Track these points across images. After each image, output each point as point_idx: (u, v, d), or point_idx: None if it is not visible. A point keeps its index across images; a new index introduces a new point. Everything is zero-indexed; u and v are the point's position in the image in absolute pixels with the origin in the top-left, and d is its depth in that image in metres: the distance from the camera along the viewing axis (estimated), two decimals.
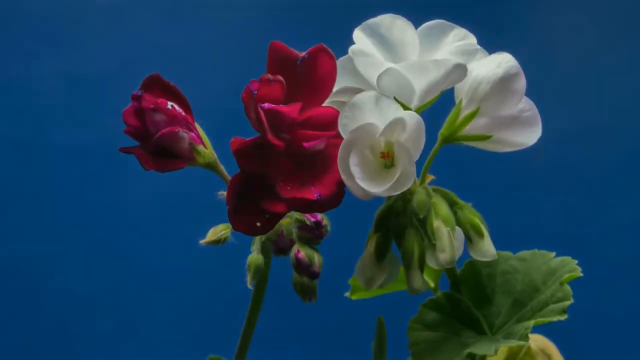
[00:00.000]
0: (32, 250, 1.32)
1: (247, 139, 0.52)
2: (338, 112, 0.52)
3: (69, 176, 1.33)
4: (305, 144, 0.51)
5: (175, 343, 1.31)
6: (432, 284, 0.68)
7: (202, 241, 0.57)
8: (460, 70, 0.50)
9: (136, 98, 0.55)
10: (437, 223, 0.52)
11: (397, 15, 0.53)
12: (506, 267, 0.59)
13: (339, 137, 0.51)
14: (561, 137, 1.24)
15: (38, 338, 1.30)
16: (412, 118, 0.50)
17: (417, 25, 0.54)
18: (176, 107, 0.55)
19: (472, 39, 0.53)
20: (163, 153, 0.54)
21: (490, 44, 0.54)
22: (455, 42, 0.52)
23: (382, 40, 0.52)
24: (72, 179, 1.33)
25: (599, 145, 1.32)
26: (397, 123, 0.49)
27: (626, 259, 1.29)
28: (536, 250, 0.60)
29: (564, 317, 0.54)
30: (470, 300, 0.58)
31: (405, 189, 0.49)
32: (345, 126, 0.50)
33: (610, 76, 1.34)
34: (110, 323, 1.31)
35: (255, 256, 0.58)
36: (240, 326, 0.64)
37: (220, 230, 0.57)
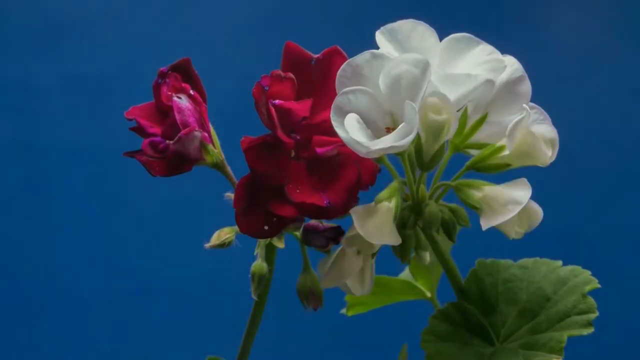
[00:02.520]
0: (32, 250, 1.31)
1: (257, 137, 0.51)
2: None
3: (69, 176, 1.33)
4: (319, 150, 0.50)
5: (175, 343, 1.30)
6: (428, 294, 0.67)
7: (206, 245, 0.56)
8: (489, 85, 0.50)
9: (162, 75, 0.55)
10: (480, 193, 0.51)
11: (419, 22, 0.52)
12: (507, 276, 0.59)
13: None
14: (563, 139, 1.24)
15: (38, 338, 1.30)
16: (408, 73, 0.48)
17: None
18: (197, 95, 0.55)
19: (498, 56, 0.52)
20: (175, 156, 0.54)
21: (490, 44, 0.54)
22: (482, 57, 0.52)
23: (400, 46, 0.51)
24: (72, 179, 1.33)
25: (601, 147, 1.32)
26: (394, 85, 0.48)
27: (624, 261, 1.28)
28: (537, 258, 0.59)
29: (590, 331, 0.53)
30: (476, 309, 0.57)
31: (410, 136, 0.47)
32: (343, 85, 0.49)
33: (612, 76, 1.34)
34: (109, 323, 1.31)
35: (259, 264, 0.57)
36: (240, 327, 0.63)
37: (224, 234, 0.56)
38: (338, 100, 0.49)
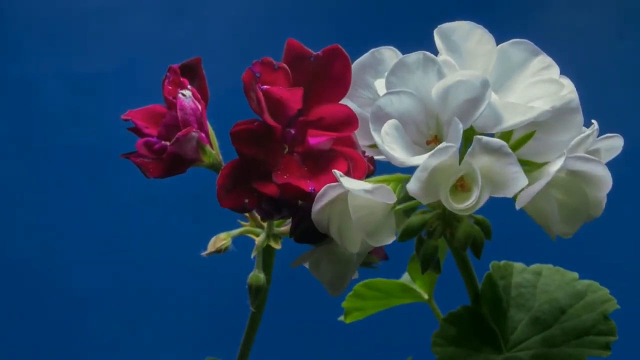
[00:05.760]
0: (32, 250, 1.31)
1: (245, 120, 0.51)
2: (351, 110, 0.50)
3: (69, 176, 1.33)
4: (312, 141, 0.50)
5: (175, 344, 1.30)
6: (425, 296, 0.66)
7: (203, 253, 0.56)
8: (545, 115, 0.48)
9: (170, 71, 0.55)
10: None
11: (478, 25, 0.50)
12: (520, 280, 0.57)
13: (345, 140, 0.50)
14: None
15: (38, 338, 1.30)
16: (467, 87, 0.46)
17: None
18: (196, 92, 0.55)
19: (555, 71, 0.51)
20: (171, 157, 0.53)
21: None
22: (538, 69, 0.50)
23: (452, 47, 0.50)
24: (72, 179, 1.33)
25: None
26: (448, 96, 0.47)
27: (624, 264, 1.28)
28: (551, 265, 0.58)
29: (608, 353, 0.52)
30: (488, 314, 0.56)
31: (447, 155, 0.45)
32: (392, 84, 0.48)
33: (612, 76, 1.34)
34: (109, 324, 1.30)
35: (255, 275, 0.57)
36: (239, 327, 0.63)
37: (220, 241, 0.56)
38: (380, 101, 0.47)
